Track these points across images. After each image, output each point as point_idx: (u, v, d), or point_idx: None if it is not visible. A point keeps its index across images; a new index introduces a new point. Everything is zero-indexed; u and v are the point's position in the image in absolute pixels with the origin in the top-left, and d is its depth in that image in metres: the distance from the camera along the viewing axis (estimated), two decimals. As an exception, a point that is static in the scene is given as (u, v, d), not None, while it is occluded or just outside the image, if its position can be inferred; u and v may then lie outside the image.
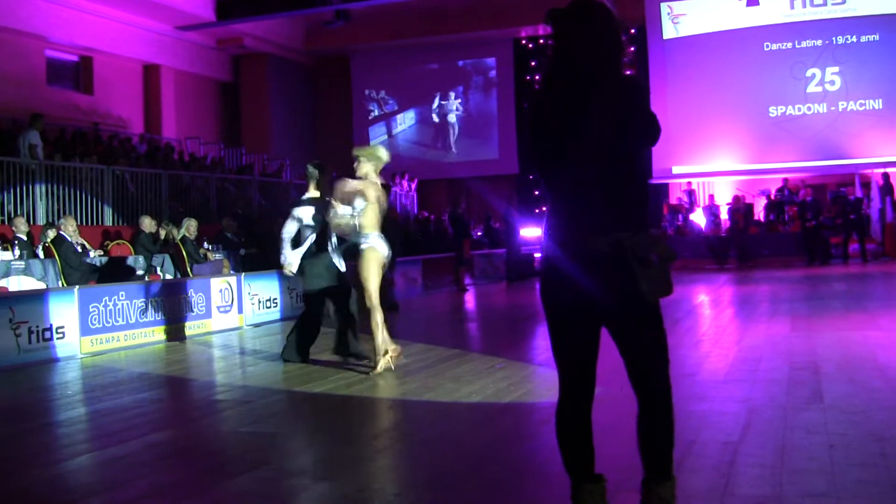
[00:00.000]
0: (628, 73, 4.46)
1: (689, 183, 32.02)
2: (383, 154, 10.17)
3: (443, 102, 36.68)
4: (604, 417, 7.24)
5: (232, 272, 17.07)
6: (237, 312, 15.82)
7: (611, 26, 4.24)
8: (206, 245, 18.54)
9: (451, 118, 36.71)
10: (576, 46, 4.17)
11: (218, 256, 18.02)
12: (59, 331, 12.36)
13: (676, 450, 6.09)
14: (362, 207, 9.70)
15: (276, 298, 16.82)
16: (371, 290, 9.77)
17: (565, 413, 4.33)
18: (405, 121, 37.47)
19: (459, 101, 36.49)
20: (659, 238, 4.13)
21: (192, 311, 14.82)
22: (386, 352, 9.93)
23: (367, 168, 9.92)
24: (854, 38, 31.16)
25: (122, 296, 13.54)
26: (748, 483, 5.29)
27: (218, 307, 15.35)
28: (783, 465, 5.60)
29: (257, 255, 19.44)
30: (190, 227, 17.67)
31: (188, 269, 17.14)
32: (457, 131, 36.66)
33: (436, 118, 36.92)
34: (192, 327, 14.76)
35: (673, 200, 32.71)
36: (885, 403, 7.20)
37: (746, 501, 4.98)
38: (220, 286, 15.52)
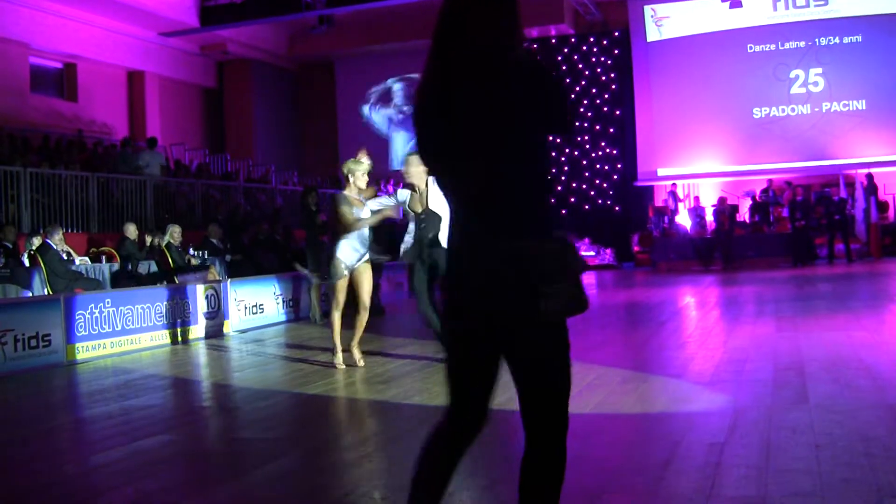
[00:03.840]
0: (529, 52, 4.07)
1: (674, 185, 32.05)
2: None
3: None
4: (587, 425, 7.28)
5: (218, 278, 17.03)
6: (223, 318, 15.79)
7: (507, 6, 3.55)
8: (191, 251, 18.51)
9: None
10: (462, 21, 3.54)
11: (203, 262, 17.98)
12: (45, 338, 12.33)
13: (664, 450, 6.12)
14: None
15: (262, 304, 16.80)
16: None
17: (440, 441, 3.67)
18: (391, 126, 37.40)
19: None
20: (564, 245, 3.47)
21: (178, 318, 14.79)
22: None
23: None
24: (837, 40, 31.24)
25: (107, 303, 13.51)
26: (734, 484, 5.29)
27: (204, 313, 15.33)
28: (769, 465, 5.61)
29: (242, 262, 19.42)
30: (174, 233, 17.64)
31: (174, 276, 17.10)
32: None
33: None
34: (178, 334, 14.73)
35: (658, 203, 32.75)
36: (870, 403, 7.22)
37: (732, 502, 4.99)
38: (206, 292, 15.50)
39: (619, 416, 7.46)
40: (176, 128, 32.01)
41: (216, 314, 15.65)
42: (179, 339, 14.71)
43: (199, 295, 15.31)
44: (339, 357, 10.61)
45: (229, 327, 15.89)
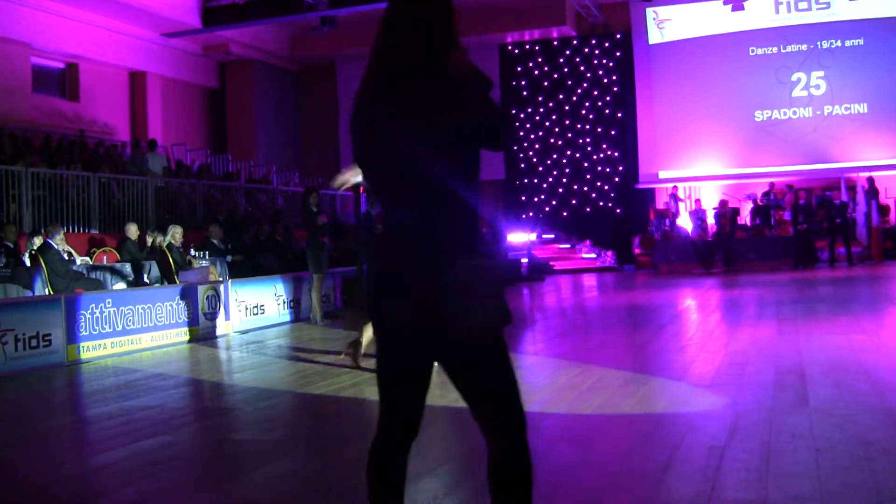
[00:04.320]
0: (465, 64, 4.03)
1: (675, 188, 32.06)
2: None
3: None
4: (587, 428, 7.29)
5: (219, 279, 17.04)
6: (224, 319, 15.80)
7: (444, 12, 3.60)
8: (192, 252, 18.52)
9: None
10: (399, 33, 3.56)
11: (204, 263, 17.98)
12: (46, 338, 12.33)
13: (663, 453, 6.12)
14: None
15: (263, 305, 16.81)
16: None
17: (379, 455, 3.71)
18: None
19: None
20: (487, 259, 3.48)
21: (179, 319, 14.80)
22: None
23: None
24: (839, 43, 31.25)
25: (108, 303, 13.52)
26: (734, 487, 5.29)
27: (204, 314, 15.34)
28: (769, 469, 5.61)
29: (244, 262, 19.42)
30: (175, 234, 17.65)
31: (175, 277, 17.11)
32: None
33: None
34: (179, 334, 14.73)
35: (659, 205, 32.76)
36: (871, 407, 7.22)
37: (733, 506, 5.00)
38: (207, 293, 15.50)
39: (620, 419, 7.46)
40: (177, 128, 32.00)
41: (217, 315, 15.66)
42: (180, 339, 14.72)
43: (199, 295, 15.32)
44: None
45: (230, 328, 15.90)
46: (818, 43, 31.40)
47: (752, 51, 32.12)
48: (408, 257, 3.48)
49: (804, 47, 31.55)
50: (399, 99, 3.47)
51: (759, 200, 30.48)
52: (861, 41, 30.95)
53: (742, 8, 32.10)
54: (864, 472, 5.43)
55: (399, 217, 3.55)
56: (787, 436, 6.42)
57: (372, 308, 3.61)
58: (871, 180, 29.13)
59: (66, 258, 16.22)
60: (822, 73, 31.36)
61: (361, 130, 3.58)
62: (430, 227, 3.45)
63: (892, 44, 30.41)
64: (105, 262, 17.61)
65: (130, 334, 13.85)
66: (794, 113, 31.67)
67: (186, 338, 14.87)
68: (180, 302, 14.87)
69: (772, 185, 31.06)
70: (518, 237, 30.27)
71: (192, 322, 15.09)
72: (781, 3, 31.85)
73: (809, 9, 31.52)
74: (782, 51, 31.82)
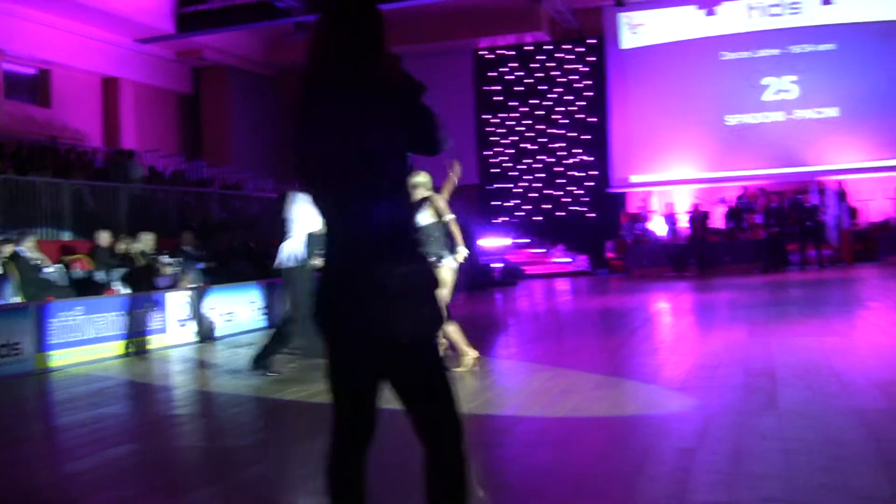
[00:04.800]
0: (397, 71, 4.03)
1: (649, 192, 32.20)
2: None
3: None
4: (561, 431, 7.31)
5: (191, 286, 16.97)
6: (196, 326, 15.76)
7: (373, 14, 3.63)
8: (164, 259, 18.43)
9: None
10: (331, 41, 3.57)
11: (177, 270, 17.90)
12: (15, 347, 12.26)
13: (635, 456, 6.15)
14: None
15: (236, 312, 16.78)
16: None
17: (334, 461, 3.69)
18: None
19: None
20: (418, 266, 3.53)
21: (151, 326, 14.75)
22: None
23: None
24: (811, 47, 31.44)
25: (79, 311, 13.46)
26: (705, 489, 5.32)
27: (177, 321, 15.29)
28: (739, 470, 5.64)
29: (217, 269, 19.35)
30: (147, 241, 17.58)
31: (147, 284, 17.02)
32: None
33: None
34: (150, 341, 14.69)
35: (632, 209, 32.87)
36: (841, 409, 7.25)
37: (703, 507, 5.02)
38: (178, 300, 15.46)
39: (594, 422, 7.49)
40: (151, 134, 31.86)
41: (189, 321, 15.61)
42: (152, 346, 14.67)
43: (172, 303, 15.27)
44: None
45: (203, 334, 15.85)
46: (790, 47, 31.60)
47: (725, 55, 32.27)
48: (345, 264, 3.52)
49: (776, 52, 31.74)
50: (332, 108, 3.48)
51: (731, 204, 30.61)
52: (833, 46, 31.14)
53: (714, 13, 32.25)
54: (834, 472, 5.47)
55: (336, 224, 3.58)
56: (758, 437, 6.45)
57: (314, 315, 3.64)
58: (841, 183, 29.36)
59: (38, 266, 16.13)
60: (794, 78, 31.55)
61: (296, 139, 3.61)
62: (366, 234, 3.47)
63: (864, 48, 30.61)
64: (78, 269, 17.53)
65: (101, 342, 13.80)
66: (766, 117, 31.84)
67: (159, 345, 14.82)
68: (152, 309, 14.82)
69: (744, 188, 31.21)
70: (490, 241, 30.32)
71: (164, 329, 15.05)
72: (754, 7, 32.01)
73: (781, 14, 31.70)
74: (754, 55, 31.99)
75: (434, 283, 3.57)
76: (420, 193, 10.16)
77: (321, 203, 3.63)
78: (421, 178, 10.25)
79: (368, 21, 3.61)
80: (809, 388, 8.23)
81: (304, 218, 10.87)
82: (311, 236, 10.82)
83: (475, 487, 3.70)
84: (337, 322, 3.57)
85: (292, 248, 10.92)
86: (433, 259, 10.15)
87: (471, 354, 10.28)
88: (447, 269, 10.17)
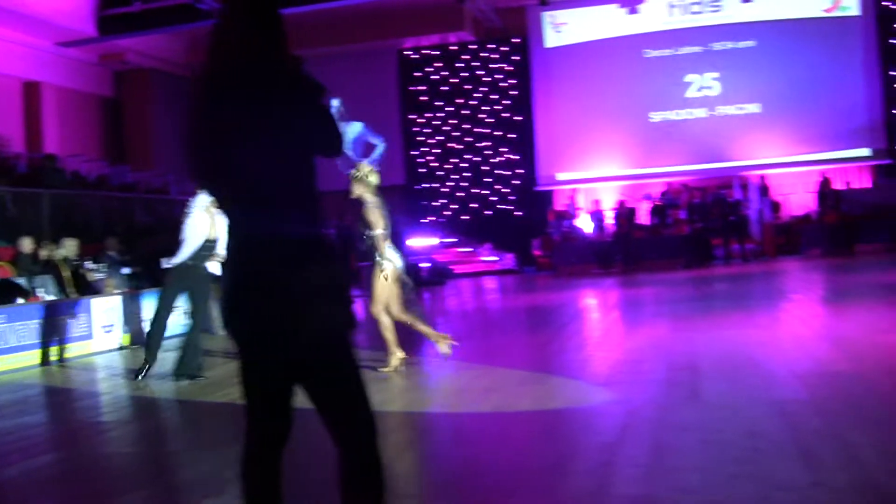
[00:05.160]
0: (298, 72, 4.05)
1: (576, 189, 32.43)
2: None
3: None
4: (483, 429, 7.36)
5: (116, 291, 16.83)
6: (121, 332, 15.62)
7: (272, 16, 3.61)
8: (88, 265, 18.23)
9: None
10: (229, 42, 3.57)
11: (101, 276, 17.72)
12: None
13: (556, 452, 6.21)
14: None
15: (162, 316, 16.63)
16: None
17: (249, 462, 3.68)
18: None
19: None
20: (330, 267, 3.54)
21: (75, 333, 14.59)
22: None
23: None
24: (731, 44, 31.90)
25: (1, 319, 13.29)
26: (624, 483, 5.39)
27: (101, 327, 15.15)
28: (659, 463, 5.73)
29: (142, 274, 19.18)
30: (71, 247, 17.37)
31: (71, 290, 16.85)
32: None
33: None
34: (74, 349, 14.52)
35: (558, 207, 33.07)
36: (760, 399, 7.37)
37: (621, 500, 5.08)
38: (103, 306, 15.31)
39: (516, 419, 7.55)
40: (74, 139, 31.47)
41: (114, 327, 15.47)
42: (77, 353, 14.51)
43: (96, 309, 15.12)
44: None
45: (128, 340, 15.71)
46: (711, 44, 32.03)
47: (647, 53, 32.61)
48: (254, 266, 3.49)
49: (698, 49, 32.15)
50: (233, 110, 3.45)
51: (656, 200, 30.91)
52: (753, 43, 31.65)
53: (637, 11, 32.56)
54: (750, 462, 5.55)
55: (242, 227, 3.56)
56: (677, 430, 6.55)
57: (224, 316, 3.63)
58: (763, 178, 29.81)
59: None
60: (715, 75, 31.97)
61: (197, 143, 3.58)
62: (272, 236, 3.46)
63: (783, 45, 31.15)
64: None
65: (24, 350, 13.62)
66: (689, 114, 32.24)
67: (84, 351, 14.66)
68: (76, 316, 14.67)
69: (668, 184, 31.54)
70: (419, 241, 30.36)
71: (89, 336, 14.89)
72: (675, 5, 32.39)
73: (702, 11, 32.11)
74: (676, 53, 32.38)
75: (344, 283, 3.58)
76: (359, 189, 10.15)
77: (224, 205, 3.62)
78: (360, 171, 10.26)
79: (268, 23, 3.60)
80: (730, 380, 8.36)
81: (199, 221, 10.96)
82: (206, 241, 10.90)
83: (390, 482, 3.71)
84: (246, 324, 3.54)
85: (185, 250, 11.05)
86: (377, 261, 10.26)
87: (398, 355, 10.33)
88: (385, 272, 10.23)
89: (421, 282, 27.72)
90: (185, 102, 3.67)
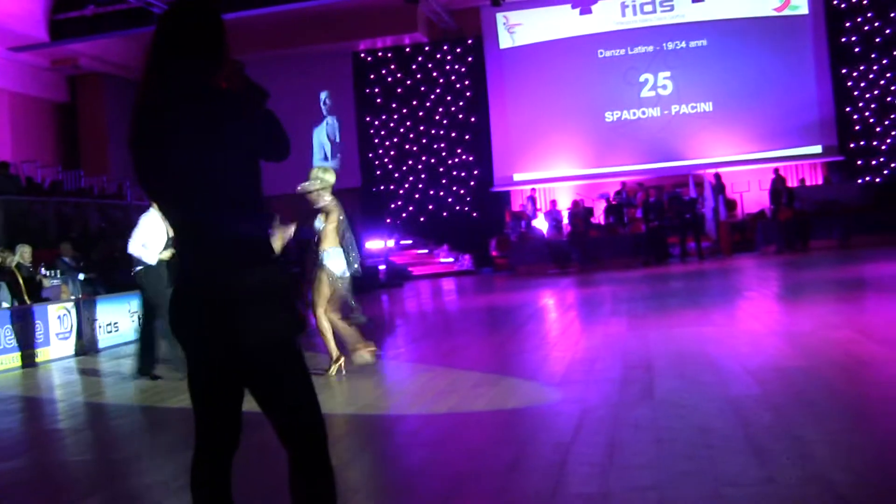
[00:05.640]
0: (240, 78, 4.06)
1: (533, 190, 32.52)
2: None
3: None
4: (438, 430, 7.39)
5: (71, 297, 16.73)
6: (76, 338, 15.53)
7: (212, 20, 3.62)
8: (42, 271, 18.10)
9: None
10: (170, 49, 3.55)
11: (56, 282, 17.61)
12: None
13: (510, 452, 6.24)
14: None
15: (117, 322, 16.56)
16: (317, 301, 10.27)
17: (198, 469, 3.68)
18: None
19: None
20: (274, 271, 3.55)
21: (30, 340, 14.49)
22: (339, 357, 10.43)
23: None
24: (683, 44, 32.15)
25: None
26: (578, 482, 5.43)
27: (57, 334, 15.05)
28: (612, 462, 5.77)
29: (97, 279, 19.08)
30: (24, 253, 17.23)
31: (25, 297, 16.74)
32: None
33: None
34: (31, 355, 14.42)
35: (515, 207, 33.16)
36: (713, 396, 7.43)
37: (575, 500, 5.11)
38: (59, 312, 15.22)
39: (469, 420, 7.58)
40: (28, 145, 31.21)
41: (70, 334, 15.38)
42: (32, 360, 14.41)
43: (51, 315, 15.03)
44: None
45: (84, 347, 15.62)
46: (664, 44, 32.26)
47: (601, 53, 32.77)
48: (199, 271, 3.50)
49: (650, 49, 32.37)
50: (175, 115, 3.43)
51: (611, 199, 31.06)
52: (704, 42, 31.93)
53: (590, 11, 32.71)
54: (702, 459, 5.61)
55: (187, 232, 3.56)
56: (631, 428, 6.60)
57: (171, 322, 3.64)
58: (717, 176, 30.05)
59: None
60: (668, 74, 32.20)
61: (140, 148, 3.55)
62: (218, 241, 3.47)
63: (735, 44, 31.45)
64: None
65: (-21, 357, 13.55)
66: (644, 113, 32.43)
67: (40, 358, 14.57)
68: (31, 323, 14.57)
69: (623, 184, 31.69)
70: (376, 244, 30.36)
71: (45, 342, 14.79)
72: (627, 6, 32.58)
73: (654, 11, 32.35)
74: (630, 52, 32.56)
75: (288, 288, 3.58)
76: (315, 188, 10.14)
77: (172, 211, 3.63)
78: (317, 173, 10.27)
79: (208, 27, 3.60)
80: (684, 377, 8.43)
81: (152, 223, 11.00)
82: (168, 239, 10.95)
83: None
84: (192, 330, 3.55)
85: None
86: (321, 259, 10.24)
87: (367, 351, 10.38)
88: (336, 277, 10.23)
89: (379, 284, 27.75)
90: (131, 112, 3.59)
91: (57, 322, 15.09)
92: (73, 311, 15.58)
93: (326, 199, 10.18)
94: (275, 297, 3.50)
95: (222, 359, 3.52)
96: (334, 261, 10.22)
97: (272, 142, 3.59)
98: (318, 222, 10.22)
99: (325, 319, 10.27)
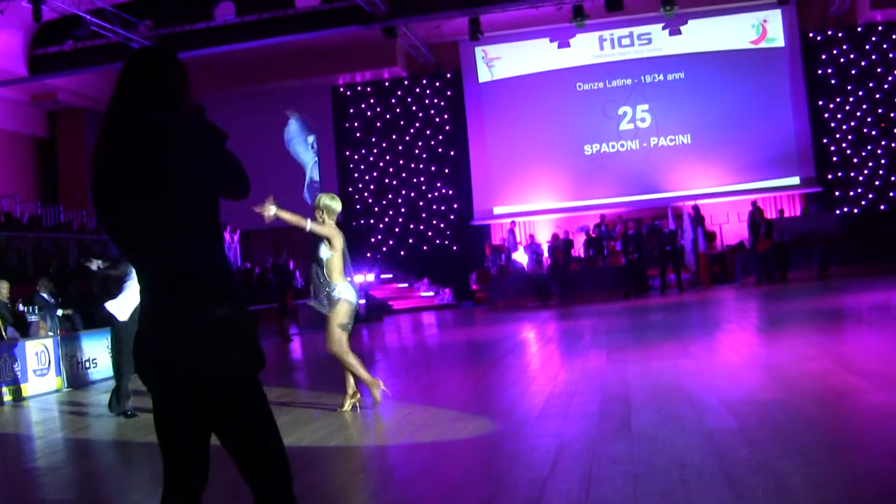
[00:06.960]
0: (199, 118, 4.10)
1: (513, 223, 32.60)
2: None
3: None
4: (416, 466, 7.37)
5: (49, 333, 16.66)
6: (55, 375, 15.45)
7: (173, 64, 3.71)
8: (20, 307, 18.03)
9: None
10: (130, 90, 3.61)
11: (34, 318, 17.54)
12: None
13: (487, 488, 6.22)
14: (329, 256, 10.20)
15: (95, 359, 16.48)
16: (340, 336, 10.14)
17: None
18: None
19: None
20: (235, 308, 3.53)
21: (8, 376, 14.42)
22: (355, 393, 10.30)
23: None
24: (661, 77, 32.43)
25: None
26: (554, 517, 5.43)
27: (34, 371, 14.98)
28: (588, 497, 5.74)
29: (74, 315, 18.99)
30: (1, 289, 17.17)
31: (2, 333, 16.66)
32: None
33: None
34: (6, 393, 14.34)
35: (495, 241, 33.21)
36: (689, 430, 7.43)
37: (550, 535, 5.12)
38: (36, 349, 15.15)
39: (447, 455, 7.56)
40: (6, 180, 31.16)
41: (48, 371, 15.30)
42: (9, 398, 14.34)
43: (28, 352, 14.96)
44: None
45: (62, 384, 15.54)
46: (642, 77, 32.52)
47: (580, 86, 33.01)
48: (160, 310, 3.51)
49: (629, 82, 32.62)
50: (136, 157, 3.45)
51: (591, 232, 31.15)
52: (682, 75, 32.22)
53: (568, 45, 32.94)
54: (678, 493, 5.61)
55: (148, 271, 3.57)
56: (608, 463, 6.58)
57: (134, 360, 3.64)
58: (696, 208, 30.21)
59: None
60: (646, 107, 32.43)
61: (101, 189, 3.58)
62: (177, 279, 3.48)
63: (711, 76, 31.77)
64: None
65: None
66: (622, 146, 32.65)
67: (16, 396, 14.48)
68: (8, 359, 14.49)
69: (602, 216, 31.80)
70: (356, 278, 30.34)
71: (22, 379, 14.72)
72: (605, 39, 32.84)
73: (632, 45, 32.63)
74: (608, 86, 32.81)
75: (250, 325, 3.58)
76: (320, 218, 10.13)
77: (132, 251, 3.62)
78: (323, 201, 10.28)
79: (171, 72, 3.67)
80: (661, 411, 8.42)
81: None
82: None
83: None
84: (154, 368, 3.55)
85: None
86: (333, 293, 10.17)
87: (377, 385, 10.33)
88: (343, 304, 10.19)
89: (359, 318, 27.68)
90: (91, 153, 3.64)
91: (34, 358, 15.01)
92: (51, 348, 15.50)
93: (330, 226, 10.18)
94: (235, 334, 3.49)
95: (184, 396, 3.51)
96: (348, 292, 10.18)
97: (234, 181, 3.65)
98: (323, 252, 10.17)
99: (351, 354, 10.16)
